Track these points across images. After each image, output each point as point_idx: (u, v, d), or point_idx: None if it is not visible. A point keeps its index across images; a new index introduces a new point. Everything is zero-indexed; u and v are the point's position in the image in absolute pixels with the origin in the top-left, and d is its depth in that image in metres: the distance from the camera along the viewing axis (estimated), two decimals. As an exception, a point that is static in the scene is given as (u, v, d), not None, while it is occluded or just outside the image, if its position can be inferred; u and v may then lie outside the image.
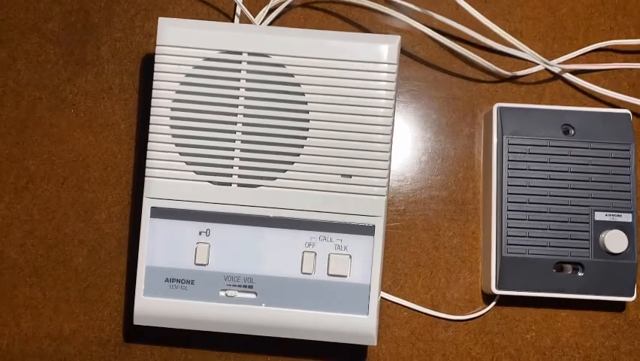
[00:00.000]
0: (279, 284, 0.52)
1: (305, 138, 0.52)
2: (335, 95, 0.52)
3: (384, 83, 0.52)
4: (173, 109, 0.53)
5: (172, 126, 0.53)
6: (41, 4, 0.61)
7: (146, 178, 0.53)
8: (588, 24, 0.61)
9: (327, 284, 0.52)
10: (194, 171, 0.53)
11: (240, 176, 0.53)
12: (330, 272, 0.52)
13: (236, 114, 0.53)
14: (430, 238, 0.59)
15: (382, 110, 0.52)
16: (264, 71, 0.53)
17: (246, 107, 0.53)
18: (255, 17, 0.60)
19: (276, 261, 0.53)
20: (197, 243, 0.53)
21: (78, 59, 0.60)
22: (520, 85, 0.60)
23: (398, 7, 0.60)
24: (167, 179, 0.53)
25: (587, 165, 0.56)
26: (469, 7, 0.57)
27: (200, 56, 0.53)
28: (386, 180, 0.53)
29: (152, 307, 0.53)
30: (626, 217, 0.55)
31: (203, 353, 0.58)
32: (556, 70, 0.60)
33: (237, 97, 0.53)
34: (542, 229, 0.55)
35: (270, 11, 0.60)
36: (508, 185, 0.56)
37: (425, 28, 0.59)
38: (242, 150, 0.53)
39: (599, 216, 0.55)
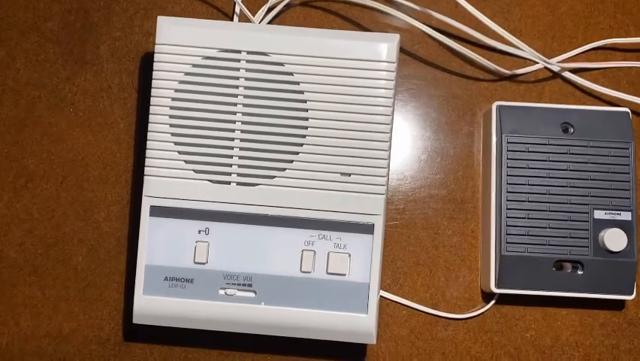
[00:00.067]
0: (279, 283, 0.52)
1: (304, 136, 0.52)
2: (334, 94, 0.52)
3: (384, 81, 0.52)
4: (172, 108, 0.53)
5: (171, 125, 0.53)
6: (41, 3, 0.61)
7: (145, 177, 0.53)
8: (587, 22, 0.61)
9: (327, 283, 0.52)
10: (194, 170, 0.53)
11: (239, 175, 0.53)
12: (329, 271, 0.52)
13: (235, 113, 0.53)
14: (429, 237, 0.59)
15: (381, 108, 0.52)
16: (263, 69, 0.53)
17: (245, 105, 0.53)
18: (254, 16, 0.60)
19: (276, 259, 0.53)
20: (197, 241, 0.53)
21: (77, 58, 0.60)
22: (520, 83, 0.60)
23: (397, 6, 0.60)
24: (167, 178, 0.53)
25: (587, 163, 0.56)
26: (469, 5, 0.57)
27: (200, 54, 0.53)
28: (385, 178, 0.53)
29: (151, 306, 0.53)
30: (626, 216, 0.55)
31: (203, 352, 0.58)
32: (556, 68, 0.60)
33: (236, 95, 0.53)
34: (542, 227, 0.55)
35: (269, 10, 0.60)
36: (508, 183, 0.56)
37: (424, 26, 0.59)
38: (241, 149, 0.53)
39: (599, 214, 0.55)
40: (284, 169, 0.53)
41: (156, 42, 0.53)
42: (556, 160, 0.56)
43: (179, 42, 0.53)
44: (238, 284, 0.53)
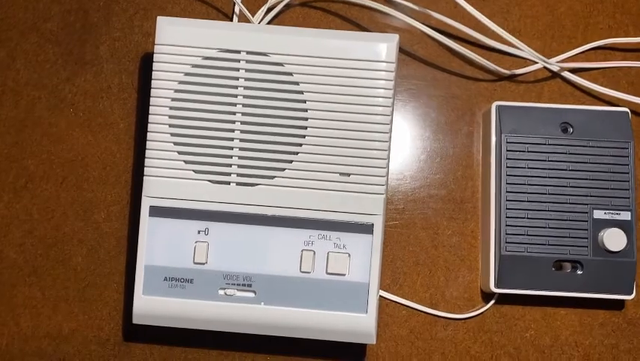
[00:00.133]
0: (278, 283, 0.52)
1: (304, 136, 0.53)
2: (334, 94, 0.52)
3: (383, 81, 0.52)
4: (171, 108, 0.53)
5: (171, 125, 0.53)
6: (40, 3, 0.61)
7: (144, 177, 0.53)
8: (587, 22, 0.61)
9: (326, 283, 0.53)
10: (193, 170, 0.53)
11: (238, 175, 0.53)
12: (329, 271, 0.52)
13: (234, 113, 0.53)
14: (429, 237, 0.59)
15: (381, 108, 0.52)
16: (262, 69, 0.53)
17: (244, 105, 0.53)
18: (253, 16, 0.60)
19: (275, 260, 0.53)
20: (196, 242, 0.53)
21: (77, 59, 0.60)
22: (519, 83, 0.60)
23: (397, 6, 0.60)
24: (166, 178, 0.53)
25: (586, 163, 0.56)
26: (468, 5, 0.57)
27: (199, 55, 0.53)
28: (385, 178, 0.53)
29: (151, 306, 0.53)
30: (625, 215, 0.55)
31: (203, 352, 0.58)
32: (555, 68, 0.60)
33: (236, 96, 0.53)
34: (541, 227, 0.55)
35: (269, 10, 0.60)
36: (507, 183, 0.56)
37: (424, 27, 0.59)
38: (240, 149, 0.53)
39: (598, 214, 0.55)
40: (283, 169, 0.53)
41: (156, 42, 0.53)
42: (555, 160, 0.56)
43: (179, 42, 0.53)
44: (238, 284, 0.53)
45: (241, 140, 0.53)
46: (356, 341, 0.53)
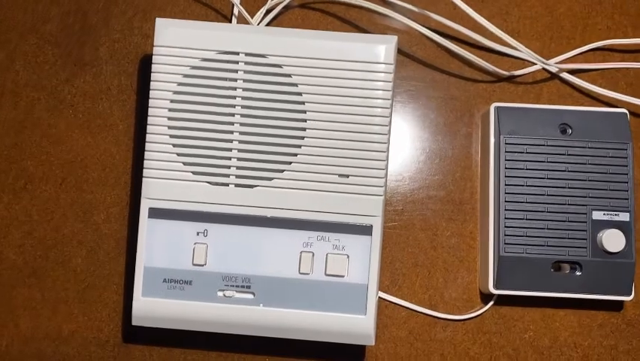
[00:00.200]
0: (277, 284, 0.52)
1: (302, 138, 0.53)
2: (332, 96, 0.52)
3: (382, 83, 0.52)
4: (170, 110, 0.53)
5: (170, 127, 0.53)
6: (40, 5, 0.61)
7: (143, 179, 0.53)
8: (585, 23, 0.61)
9: (325, 284, 0.53)
10: (192, 172, 0.53)
11: (237, 176, 0.53)
12: (327, 272, 0.53)
13: (233, 114, 0.53)
14: (427, 238, 0.59)
15: (379, 110, 0.52)
16: (261, 71, 0.53)
17: (243, 107, 0.53)
18: (252, 18, 0.60)
19: (274, 261, 0.53)
20: (195, 243, 0.53)
21: (76, 60, 0.60)
22: (518, 85, 0.60)
23: (395, 8, 0.60)
24: (165, 179, 0.53)
25: (585, 164, 0.56)
26: (467, 7, 0.57)
27: (198, 56, 0.53)
28: (383, 180, 0.53)
29: (150, 307, 0.53)
30: (624, 216, 0.55)
31: (202, 354, 0.58)
32: (554, 69, 0.60)
33: (235, 97, 0.53)
34: (540, 228, 0.55)
35: (268, 12, 0.60)
36: (506, 184, 0.56)
37: (423, 28, 0.59)
38: (239, 151, 0.53)
39: (597, 215, 0.55)
40: (282, 171, 0.53)
41: (154, 44, 0.53)
42: (554, 161, 0.56)
43: (178, 44, 0.53)
44: (237, 286, 0.53)
45: (240, 141, 0.53)
46: (355, 342, 0.53)
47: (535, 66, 0.60)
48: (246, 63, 0.53)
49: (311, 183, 0.53)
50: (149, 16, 0.61)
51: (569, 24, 0.61)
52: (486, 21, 0.57)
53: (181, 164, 0.53)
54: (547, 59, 0.59)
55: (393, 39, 0.53)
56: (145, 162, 0.53)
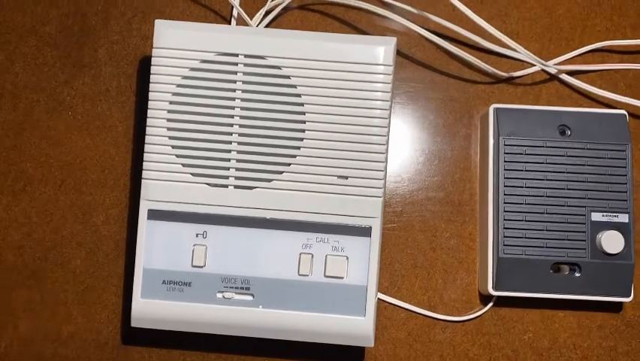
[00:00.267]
0: (276, 286, 0.52)
1: (301, 139, 0.53)
2: (331, 97, 0.52)
3: (381, 84, 0.52)
4: (169, 111, 0.53)
5: (169, 128, 0.53)
6: (39, 7, 0.61)
7: (143, 180, 0.53)
8: (584, 25, 0.61)
9: (324, 286, 0.53)
10: (191, 173, 0.53)
11: (236, 178, 0.53)
12: (327, 274, 0.53)
13: (232, 116, 0.53)
14: (427, 239, 0.59)
15: (378, 111, 0.52)
16: (260, 73, 0.53)
17: (242, 108, 0.53)
18: (251, 19, 0.60)
19: (273, 263, 0.53)
20: (194, 245, 0.53)
21: (75, 62, 0.61)
22: (517, 86, 0.60)
23: (394, 9, 0.60)
24: (164, 181, 0.53)
25: (584, 165, 0.56)
26: (466, 8, 0.57)
27: (197, 58, 0.53)
28: (382, 181, 0.53)
29: (149, 309, 0.53)
30: (623, 218, 0.55)
31: (201, 355, 0.58)
32: (553, 71, 0.60)
33: (234, 99, 0.53)
34: (539, 229, 0.55)
35: (267, 13, 0.60)
36: (505, 186, 0.56)
37: (422, 29, 0.59)
38: (238, 152, 0.53)
39: (596, 216, 0.55)
40: (281, 172, 0.53)
41: (154, 46, 0.53)
42: (553, 162, 0.56)
43: (177, 46, 0.53)
44: (236, 287, 0.53)
45: (239, 143, 0.53)
46: (354, 343, 0.53)
47: (534, 67, 0.60)
48: (245, 65, 0.53)
49: (310, 185, 0.53)
50: (149, 17, 0.61)
51: (567, 25, 0.61)
52: (485, 22, 0.57)
53: (180, 165, 0.53)
54: (546, 61, 0.59)
55: (392, 40, 0.53)
56: (144, 163, 0.53)
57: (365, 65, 0.52)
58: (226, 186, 0.53)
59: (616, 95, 0.59)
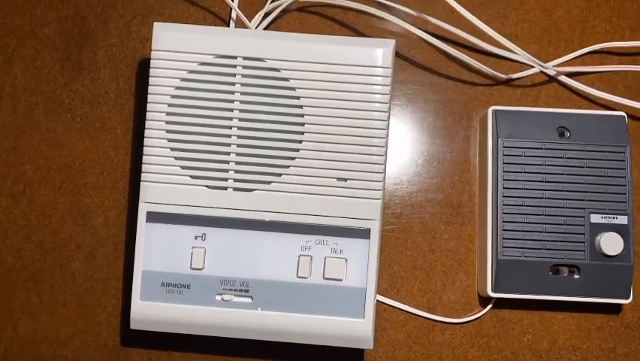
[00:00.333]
0: (275, 288, 0.52)
1: (300, 141, 0.53)
2: (330, 99, 0.52)
3: (379, 86, 0.52)
4: (168, 113, 0.53)
5: (167, 131, 0.53)
6: (38, 9, 0.61)
7: (141, 183, 0.53)
8: (583, 26, 0.61)
9: (323, 288, 0.53)
10: (190, 176, 0.53)
11: (235, 180, 0.53)
12: (325, 276, 0.53)
13: (231, 118, 0.53)
14: (426, 241, 0.59)
15: (377, 113, 0.52)
16: (259, 75, 0.53)
17: (241, 111, 0.53)
18: (250, 22, 0.60)
19: (272, 265, 0.53)
20: (193, 247, 0.53)
21: (74, 64, 0.61)
22: (516, 88, 0.60)
23: (393, 11, 0.60)
24: (163, 183, 0.53)
25: (583, 167, 0.56)
26: (465, 10, 0.57)
27: (196, 60, 0.53)
28: (381, 183, 0.53)
29: (148, 311, 0.53)
30: (622, 220, 0.55)
31: (200, 357, 0.58)
32: (552, 72, 0.60)
33: (233, 101, 0.53)
34: (538, 231, 0.55)
35: (266, 15, 0.60)
36: (504, 188, 0.56)
37: (420, 31, 0.59)
38: (237, 154, 0.53)
39: (595, 218, 0.55)
40: (280, 174, 0.53)
41: (152, 48, 0.53)
42: (552, 164, 0.56)
43: (176, 48, 0.53)
44: (235, 290, 0.53)
45: (238, 145, 0.53)
46: (353, 346, 0.53)
47: (533, 69, 0.60)
48: (244, 67, 0.53)
49: (309, 187, 0.53)
50: (147, 20, 0.61)
51: (566, 27, 0.61)
52: (484, 24, 0.57)
53: (179, 168, 0.53)
54: (545, 62, 0.59)
55: (391, 43, 0.53)
56: (143, 165, 0.53)
57: (364, 67, 0.52)
58: (225, 188, 0.53)
59: (615, 97, 0.59)
